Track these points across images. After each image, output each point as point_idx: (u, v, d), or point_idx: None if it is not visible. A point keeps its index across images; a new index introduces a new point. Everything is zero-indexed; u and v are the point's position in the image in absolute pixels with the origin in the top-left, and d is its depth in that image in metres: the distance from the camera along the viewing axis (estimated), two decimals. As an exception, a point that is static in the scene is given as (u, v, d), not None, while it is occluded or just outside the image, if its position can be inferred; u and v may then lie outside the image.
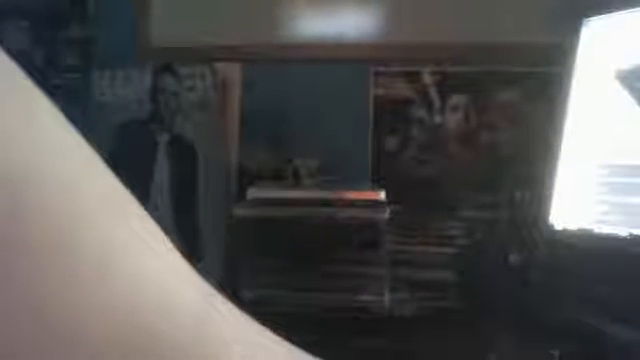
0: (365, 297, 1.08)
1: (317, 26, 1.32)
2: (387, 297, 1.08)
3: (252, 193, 1.09)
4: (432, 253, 1.21)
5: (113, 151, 1.27)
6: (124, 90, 1.27)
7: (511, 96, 1.23)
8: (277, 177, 1.19)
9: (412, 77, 1.28)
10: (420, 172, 1.27)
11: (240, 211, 1.08)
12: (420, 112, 1.29)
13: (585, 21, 0.99)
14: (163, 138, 1.22)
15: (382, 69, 1.29)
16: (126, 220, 0.24)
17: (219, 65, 1.23)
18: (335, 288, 1.06)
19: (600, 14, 0.96)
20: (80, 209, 0.22)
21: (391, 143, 1.30)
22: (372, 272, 1.07)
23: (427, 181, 1.27)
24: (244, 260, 1.08)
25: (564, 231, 0.95)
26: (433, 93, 1.28)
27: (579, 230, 0.93)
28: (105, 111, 1.27)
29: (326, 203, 1.06)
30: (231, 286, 1.11)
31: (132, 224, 0.24)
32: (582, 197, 0.96)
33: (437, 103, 1.28)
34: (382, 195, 1.06)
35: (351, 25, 1.29)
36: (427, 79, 1.28)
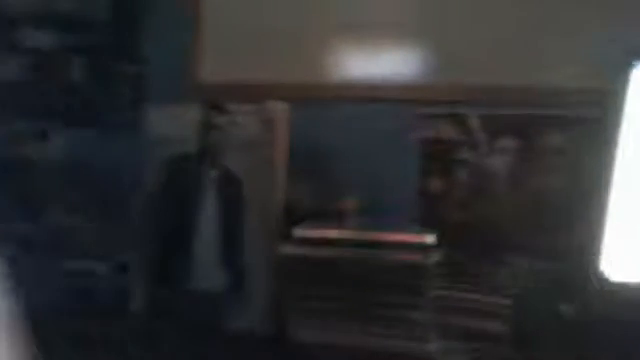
0: (410, 343, 1.05)
1: (365, 67, 1.33)
2: (434, 344, 1.06)
3: (298, 232, 1.09)
4: (480, 301, 1.18)
5: (163, 184, 1.29)
6: (174, 126, 1.29)
7: (560, 140, 1.22)
8: (323, 216, 1.19)
9: (458, 119, 1.28)
10: (466, 215, 1.26)
11: (286, 249, 1.08)
12: (466, 154, 1.28)
13: (635, 65, 0.97)
14: (211, 174, 1.24)
15: (428, 111, 1.29)
16: None
17: (268, 103, 1.24)
18: (380, 332, 1.04)
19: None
20: None
21: (437, 185, 1.29)
22: (418, 317, 1.05)
23: (473, 225, 1.26)
24: (289, 299, 1.07)
25: (620, 283, 0.92)
26: (479, 135, 1.27)
27: (636, 283, 0.91)
28: (156, 146, 1.29)
29: (372, 245, 1.05)
30: (276, 324, 1.10)
31: None
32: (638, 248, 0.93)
33: (484, 146, 1.27)
34: (429, 238, 1.04)
35: (398, 67, 1.30)
36: (473, 121, 1.27)
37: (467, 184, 1.27)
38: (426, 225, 1.15)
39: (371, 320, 1.04)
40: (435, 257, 1.03)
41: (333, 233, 1.08)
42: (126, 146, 1.38)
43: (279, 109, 1.26)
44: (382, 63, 1.33)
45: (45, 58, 1.58)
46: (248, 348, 1.12)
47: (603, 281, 0.94)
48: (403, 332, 1.03)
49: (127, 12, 1.53)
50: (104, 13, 1.54)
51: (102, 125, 1.51)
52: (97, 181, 1.44)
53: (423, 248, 1.04)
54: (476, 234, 1.25)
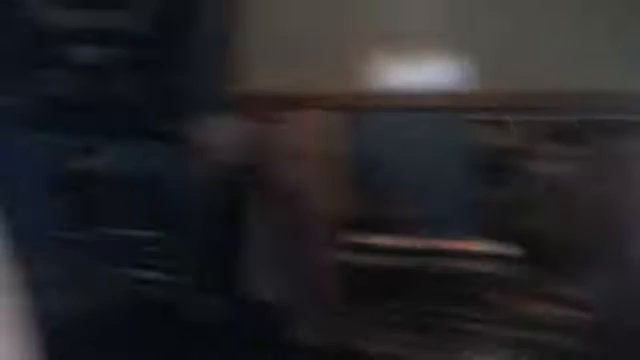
0: (479, 357, 1.02)
1: (413, 75, 1.32)
2: (499, 358, 1.02)
3: (359, 239, 1.07)
4: (550, 314, 1.14)
5: (208, 194, 1.28)
6: (223, 134, 1.29)
7: (624, 146, 1.18)
8: (380, 226, 1.16)
9: (509, 126, 1.26)
10: (525, 225, 1.23)
11: (344, 257, 1.06)
12: (524, 162, 1.25)
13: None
14: (258, 184, 1.23)
15: (482, 117, 1.27)
16: None
17: (314, 111, 1.23)
18: (443, 345, 1.01)
19: None
20: None
21: (495, 194, 1.26)
22: (483, 330, 1.01)
23: (535, 235, 1.22)
24: (348, 309, 1.05)
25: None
26: (538, 142, 1.24)
27: None
28: (205, 154, 1.29)
29: (435, 253, 1.03)
30: (337, 335, 1.08)
31: None
32: None
33: (542, 153, 1.24)
34: (495, 247, 1.01)
35: (449, 74, 1.28)
36: (525, 128, 1.24)
37: (524, 193, 1.24)
38: (485, 235, 1.12)
39: (434, 332, 1.01)
40: (501, 267, 1.00)
41: (394, 241, 1.05)
42: (173, 157, 1.39)
43: (327, 119, 1.25)
44: (431, 71, 1.31)
45: (92, 73, 1.60)
46: (304, 358, 1.09)
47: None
48: (468, 345, 0.99)
49: (171, 26, 1.54)
50: (149, 28, 1.56)
51: (148, 137, 1.52)
52: (144, 192, 1.44)
53: (489, 257, 1.00)
54: (537, 244, 1.21)
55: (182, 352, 1.12)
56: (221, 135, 1.30)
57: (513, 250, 1.00)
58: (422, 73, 1.32)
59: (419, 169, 1.23)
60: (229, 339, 1.13)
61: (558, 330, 1.03)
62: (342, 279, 1.06)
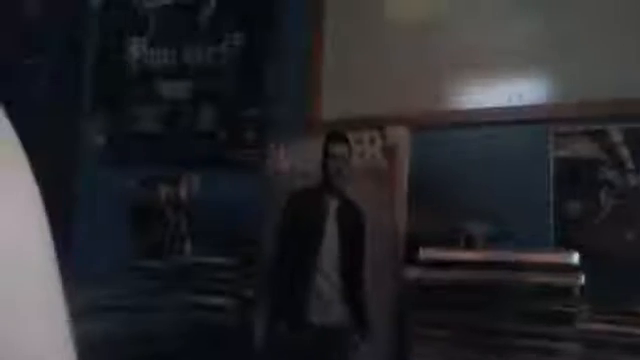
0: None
1: (490, 89, 1.28)
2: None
3: (425, 254, 1.03)
4: (632, 335, 1.03)
5: (288, 216, 1.29)
6: (297, 161, 1.30)
7: None
8: (448, 243, 1.11)
9: (598, 136, 1.18)
10: (613, 241, 1.13)
11: (412, 273, 1.01)
12: (610, 174, 1.16)
13: None
14: (333, 203, 1.22)
15: (563, 129, 1.20)
16: None
17: (388, 130, 1.22)
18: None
19: None
20: None
21: (576, 208, 1.17)
22: (561, 348, 0.93)
23: (620, 252, 1.12)
24: (414, 327, 1.00)
25: None
26: (624, 152, 1.15)
27: None
28: (281, 180, 1.31)
29: (508, 266, 0.96)
30: (399, 354, 1.03)
31: None
32: None
33: (630, 163, 1.15)
34: (575, 258, 0.93)
35: (528, 85, 1.23)
36: (617, 137, 1.16)
37: (612, 206, 1.14)
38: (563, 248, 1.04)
39: (505, 351, 0.93)
40: (580, 280, 0.92)
41: (462, 255, 1.00)
42: (253, 183, 1.41)
43: (400, 135, 1.23)
44: (510, 83, 1.27)
45: (177, 107, 1.69)
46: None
47: None
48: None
49: (251, 60, 1.61)
50: (230, 62, 1.63)
51: (229, 165, 1.57)
52: (226, 219, 1.48)
53: (566, 270, 0.92)
54: (624, 263, 1.10)
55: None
56: (300, 160, 1.31)
57: (587, 266, 0.90)
58: (503, 90, 1.28)
59: (492, 184, 1.17)
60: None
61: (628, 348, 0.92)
62: (409, 295, 1.01)
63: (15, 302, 0.24)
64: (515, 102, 1.26)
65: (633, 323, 0.95)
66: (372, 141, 1.23)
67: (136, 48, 1.71)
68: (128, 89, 1.77)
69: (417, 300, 1.00)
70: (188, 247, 1.52)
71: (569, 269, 0.92)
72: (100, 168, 1.79)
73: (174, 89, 1.66)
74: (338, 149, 1.25)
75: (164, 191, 1.61)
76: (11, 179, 0.26)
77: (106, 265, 1.39)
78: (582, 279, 0.91)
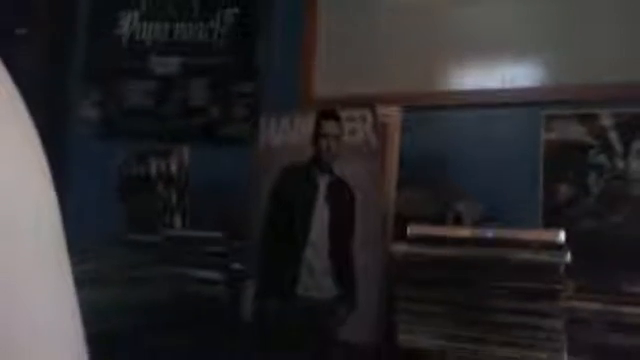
0: (540, 354, 0.95)
1: (484, 71, 1.28)
2: (565, 357, 0.94)
3: (413, 230, 1.04)
4: (618, 313, 1.05)
5: (278, 191, 1.29)
6: (288, 136, 1.31)
7: None
8: (436, 221, 1.12)
9: (589, 120, 1.18)
10: (599, 226, 1.14)
11: (400, 248, 1.03)
12: (599, 158, 1.17)
13: None
14: (324, 180, 1.22)
15: (555, 112, 1.20)
16: None
17: (380, 108, 1.22)
18: (500, 340, 0.95)
19: None
20: None
21: (565, 192, 1.19)
22: (546, 325, 0.94)
23: (606, 237, 1.13)
24: (401, 303, 1.01)
25: None
26: (614, 137, 1.16)
27: None
28: (271, 155, 1.31)
29: (496, 243, 0.98)
30: (387, 329, 1.04)
31: None
32: None
33: (619, 148, 1.16)
34: (561, 236, 0.95)
35: (521, 68, 1.24)
36: (607, 121, 1.17)
37: (600, 191, 1.15)
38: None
39: (493, 327, 0.95)
40: (566, 258, 0.93)
41: (451, 231, 1.01)
42: (244, 157, 1.42)
43: (392, 114, 1.23)
44: (503, 65, 1.27)
45: (168, 82, 1.68)
46: (360, 356, 1.06)
47: None
48: (527, 341, 0.92)
49: (243, 36, 1.60)
50: (222, 37, 1.62)
51: (221, 140, 1.57)
52: (216, 193, 1.48)
53: (554, 247, 0.94)
54: (608, 247, 1.12)
55: (233, 349, 1.12)
56: (293, 135, 1.31)
57: (574, 250, 0.92)
58: (495, 72, 1.29)
59: (482, 166, 1.18)
60: (283, 338, 1.11)
61: (623, 330, 0.93)
62: (396, 271, 1.02)
63: (14, 232, 0.24)
64: (508, 84, 1.26)
65: (617, 302, 0.97)
66: (364, 119, 1.24)
67: (128, 22, 1.69)
68: (119, 63, 1.75)
69: (404, 275, 1.01)
70: (178, 220, 1.53)
71: (555, 247, 0.93)
72: (90, 141, 1.78)
73: (166, 64, 1.65)
74: (330, 126, 1.26)
75: (155, 165, 1.61)
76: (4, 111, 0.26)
77: (95, 238, 1.39)
78: (568, 257, 0.92)
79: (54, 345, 0.24)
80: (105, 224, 1.51)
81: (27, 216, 0.25)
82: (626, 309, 0.99)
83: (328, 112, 1.27)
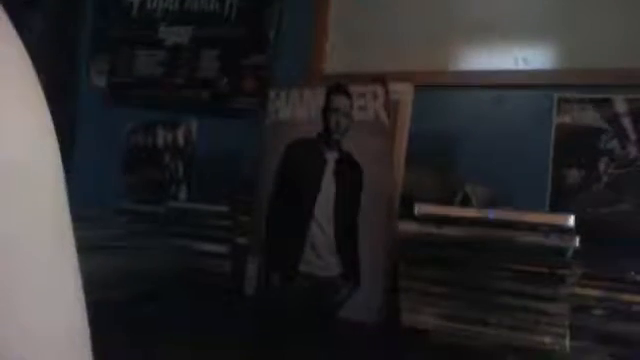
0: (543, 338, 0.94)
1: (497, 52, 1.26)
2: (568, 342, 0.94)
3: (421, 209, 1.03)
4: (622, 301, 1.04)
5: (285, 166, 1.28)
6: (297, 110, 1.29)
7: None
8: (444, 202, 1.11)
9: (602, 104, 1.17)
10: (608, 209, 1.13)
11: (408, 227, 1.02)
12: (611, 143, 1.16)
13: None
14: (332, 156, 1.21)
15: (567, 96, 1.19)
16: None
17: (392, 85, 1.21)
18: (503, 323, 0.94)
19: None
20: None
21: (575, 177, 1.17)
22: (550, 309, 0.94)
23: (615, 220, 1.12)
24: (406, 282, 1.01)
25: None
26: (627, 123, 1.15)
27: None
28: (280, 130, 1.30)
29: (503, 225, 0.96)
30: (392, 308, 1.04)
31: None
32: None
33: (632, 134, 1.14)
34: (571, 221, 0.93)
35: (535, 49, 1.22)
36: (620, 107, 1.15)
37: (611, 176, 1.14)
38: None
39: (494, 309, 0.94)
40: (574, 243, 0.92)
41: (457, 211, 1.00)
42: (253, 131, 1.40)
43: (403, 91, 1.22)
44: (518, 48, 1.25)
45: (178, 53, 1.67)
46: (361, 333, 1.06)
47: None
48: (530, 325, 0.92)
49: (254, 8, 1.58)
50: (233, 8, 1.60)
51: (229, 113, 1.56)
52: (223, 166, 1.47)
53: (563, 231, 0.93)
54: (618, 234, 1.11)
55: (235, 323, 1.12)
56: (302, 109, 1.30)
57: (583, 236, 0.91)
58: (509, 53, 1.26)
59: (493, 147, 1.17)
60: (285, 314, 1.11)
61: (620, 314, 0.93)
62: (402, 250, 1.02)
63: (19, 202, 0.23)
64: (521, 66, 1.24)
65: (623, 290, 0.96)
66: (375, 95, 1.22)
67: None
68: (129, 32, 1.73)
69: (410, 254, 1.00)
70: (184, 193, 1.52)
71: (564, 231, 0.92)
72: (99, 110, 1.77)
73: (176, 34, 1.64)
74: (339, 102, 1.24)
75: (162, 136, 1.60)
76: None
77: (100, 207, 1.38)
78: (577, 242, 0.91)
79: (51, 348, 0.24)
80: (111, 193, 1.51)
81: (31, 183, 0.24)
82: (630, 297, 0.99)
83: (338, 87, 1.25)
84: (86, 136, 1.75)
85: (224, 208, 1.38)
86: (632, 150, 1.13)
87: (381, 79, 1.22)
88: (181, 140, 1.56)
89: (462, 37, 1.27)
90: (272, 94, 1.35)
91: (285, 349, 0.98)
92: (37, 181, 0.24)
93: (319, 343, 1.05)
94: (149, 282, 1.26)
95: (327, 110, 1.26)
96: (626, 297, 1.01)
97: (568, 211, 1.05)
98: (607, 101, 1.16)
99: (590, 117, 1.16)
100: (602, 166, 1.14)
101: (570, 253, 0.93)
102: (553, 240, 0.93)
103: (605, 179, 1.14)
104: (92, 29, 1.80)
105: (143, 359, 0.82)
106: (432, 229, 1.00)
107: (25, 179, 0.23)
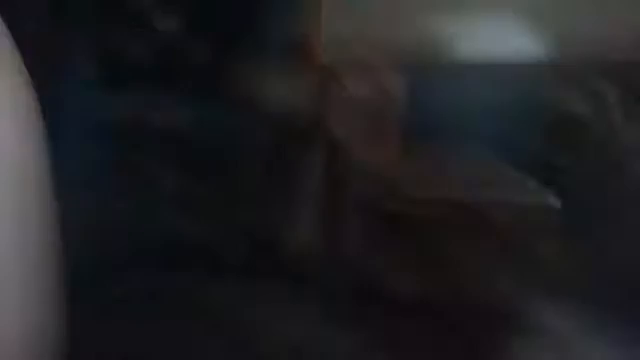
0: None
1: (493, 38, 1.27)
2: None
3: (411, 191, 1.03)
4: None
5: (278, 148, 1.28)
6: (292, 94, 1.29)
7: None
8: (438, 186, 1.11)
9: (594, 94, 1.18)
10: (596, 193, 1.14)
11: (392, 206, 1.01)
12: (601, 132, 1.17)
13: None
14: (324, 139, 1.21)
15: (562, 84, 1.20)
16: None
17: (386, 68, 1.21)
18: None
19: None
20: None
21: (566, 162, 1.18)
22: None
23: (603, 203, 1.13)
24: (393, 257, 1.00)
25: None
26: (619, 112, 1.16)
27: None
28: (273, 115, 1.29)
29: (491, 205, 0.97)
30: (375, 282, 1.04)
31: None
32: None
33: (622, 123, 1.15)
34: (552, 200, 0.93)
35: (530, 37, 1.23)
36: (612, 96, 1.16)
37: (600, 161, 1.15)
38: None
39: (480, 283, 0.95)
40: (557, 221, 0.92)
41: (447, 193, 1.00)
42: (242, 118, 1.39)
43: (397, 75, 1.22)
44: (511, 37, 1.26)
45: (169, 37, 1.65)
46: (347, 305, 1.06)
47: None
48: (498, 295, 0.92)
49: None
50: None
51: (222, 97, 1.55)
52: (213, 148, 1.46)
53: (547, 212, 0.93)
54: (603, 212, 1.12)
55: (224, 300, 1.12)
56: (291, 94, 1.29)
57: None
58: (505, 42, 1.27)
59: (492, 131, 1.18)
60: (271, 288, 1.11)
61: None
62: (388, 229, 1.02)
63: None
64: (517, 54, 1.25)
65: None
66: (369, 77, 1.22)
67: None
68: (119, 15, 1.72)
69: (397, 233, 1.01)
70: (160, 170, 1.50)
71: (550, 211, 0.93)
72: (89, 96, 1.76)
73: (167, 18, 1.62)
74: (334, 86, 1.24)
75: (154, 121, 1.58)
76: None
77: (88, 198, 1.36)
78: (561, 221, 0.92)
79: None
80: (101, 183, 1.49)
81: (14, 174, 0.24)
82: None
83: (332, 70, 1.25)
84: (74, 122, 1.73)
85: (217, 191, 1.37)
86: (622, 137, 1.14)
87: (376, 62, 1.22)
88: (174, 125, 1.55)
89: (459, 22, 1.27)
90: (264, 79, 1.35)
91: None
92: (23, 170, 0.23)
93: (307, 314, 1.05)
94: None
95: (321, 93, 1.26)
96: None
97: (557, 193, 1.07)
98: (599, 90, 1.17)
99: (581, 106, 1.17)
100: (592, 154, 1.16)
101: (556, 233, 0.93)
102: (540, 219, 0.93)
103: (595, 167, 1.15)
104: (81, 12, 1.78)
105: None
106: (422, 210, 1.00)
107: (11, 168, 0.23)
